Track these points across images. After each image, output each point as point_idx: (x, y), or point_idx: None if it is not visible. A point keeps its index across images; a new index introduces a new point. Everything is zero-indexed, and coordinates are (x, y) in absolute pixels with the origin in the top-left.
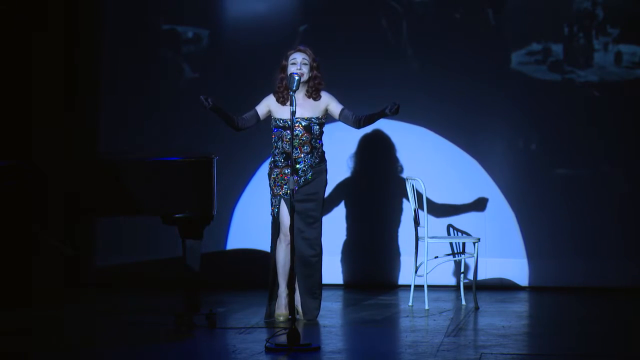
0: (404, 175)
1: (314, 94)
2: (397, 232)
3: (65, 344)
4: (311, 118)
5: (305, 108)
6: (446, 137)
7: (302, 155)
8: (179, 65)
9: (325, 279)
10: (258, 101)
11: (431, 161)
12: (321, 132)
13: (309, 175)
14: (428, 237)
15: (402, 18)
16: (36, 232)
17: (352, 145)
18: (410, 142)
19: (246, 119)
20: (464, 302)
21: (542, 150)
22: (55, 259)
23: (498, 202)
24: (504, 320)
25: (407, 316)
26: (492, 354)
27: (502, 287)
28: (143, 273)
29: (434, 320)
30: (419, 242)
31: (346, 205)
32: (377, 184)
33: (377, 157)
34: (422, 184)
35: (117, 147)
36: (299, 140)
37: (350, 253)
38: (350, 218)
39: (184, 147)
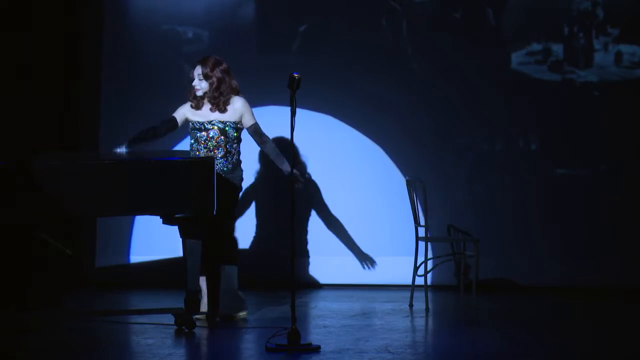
0: (406, 175)
1: (218, 107)
2: (397, 232)
3: (65, 344)
4: (227, 122)
5: (213, 112)
6: (446, 137)
7: (217, 159)
8: (179, 65)
9: (325, 279)
10: (257, 101)
11: (432, 161)
12: (237, 137)
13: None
14: (428, 237)
15: (402, 18)
16: (36, 233)
17: (351, 146)
18: (410, 141)
19: (162, 127)
20: (463, 302)
21: (542, 150)
22: (55, 259)
23: (498, 201)
24: (504, 320)
25: (407, 316)
26: (492, 353)
27: (502, 287)
28: (143, 273)
29: (434, 320)
30: (419, 242)
31: (345, 205)
32: (377, 184)
33: (377, 157)
34: (422, 185)
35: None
36: (214, 142)
37: (349, 253)
38: (349, 217)
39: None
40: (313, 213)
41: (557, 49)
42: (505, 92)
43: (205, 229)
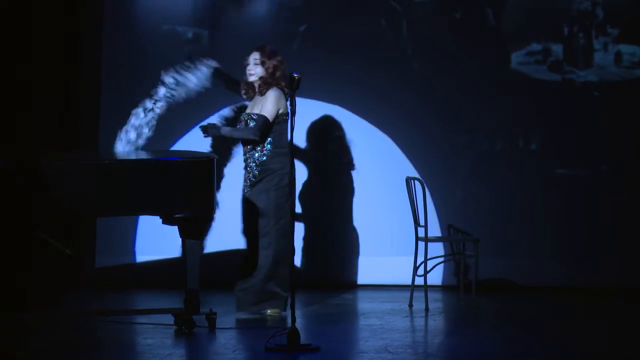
0: (406, 175)
1: (261, 91)
2: (397, 232)
3: (65, 344)
4: (250, 113)
5: (254, 103)
6: (446, 137)
7: (248, 151)
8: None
9: (325, 279)
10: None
11: (432, 160)
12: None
13: (257, 172)
14: (428, 237)
15: (402, 18)
16: (36, 232)
17: (351, 145)
18: (411, 141)
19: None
20: (463, 302)
21: (542, 150)
22: (55, 259)
23: (498, 201)
24: (504, 320)
25: (407, 316)
26: (492, 353)
27: (502, 287)
28: (143, 273)
29: (434, 320)
30: (419, 242)
31: (345, 205)
32: (377, 184)
33: (378, 156)
34: (422, 184)
35: (117, 147)
36: None
37: (349, 253)
38: (349, 218)
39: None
40: (318, 212)
41: (557, 49)
42: (505, 92)
43: (206, 229)
